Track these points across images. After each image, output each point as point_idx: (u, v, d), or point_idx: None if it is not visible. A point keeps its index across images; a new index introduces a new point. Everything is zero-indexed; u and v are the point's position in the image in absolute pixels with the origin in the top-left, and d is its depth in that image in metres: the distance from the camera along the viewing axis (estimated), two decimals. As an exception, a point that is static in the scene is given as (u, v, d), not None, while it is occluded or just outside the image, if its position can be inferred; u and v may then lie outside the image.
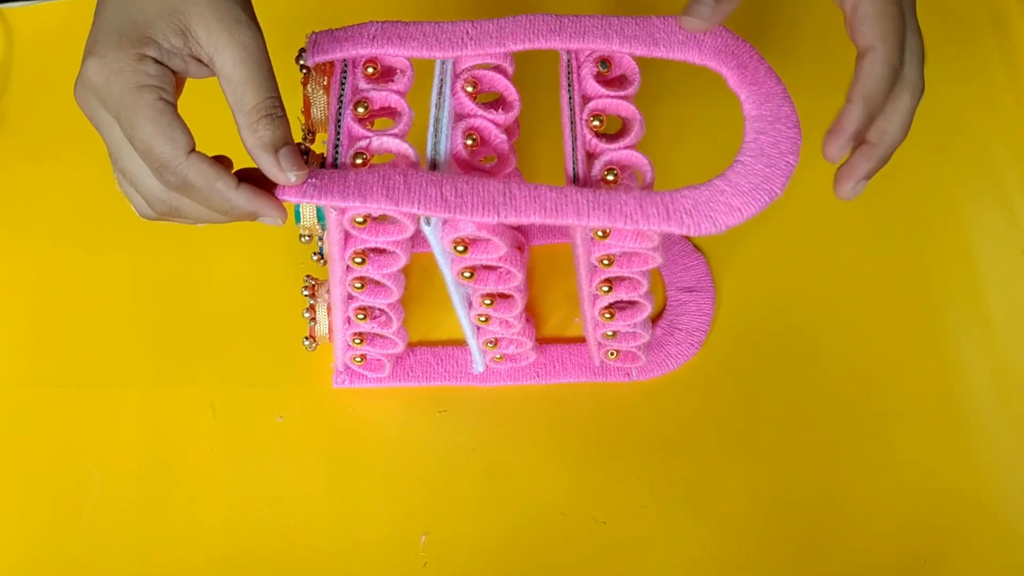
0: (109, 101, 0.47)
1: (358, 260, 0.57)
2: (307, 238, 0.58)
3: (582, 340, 0.70)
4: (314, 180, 0.51)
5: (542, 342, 0.70)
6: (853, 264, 0.72)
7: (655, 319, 0.70)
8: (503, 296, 0.62)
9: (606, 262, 0.58)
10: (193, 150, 0.48)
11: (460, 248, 0.55)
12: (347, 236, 0.56)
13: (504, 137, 0.57)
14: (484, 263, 0.58)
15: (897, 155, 0.75)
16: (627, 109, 0.56)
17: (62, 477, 0.68)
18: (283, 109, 0.49)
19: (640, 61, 0.56)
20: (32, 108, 0.81)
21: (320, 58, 0.55)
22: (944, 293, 0.71)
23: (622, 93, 0.56)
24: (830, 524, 0.64)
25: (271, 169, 0.49)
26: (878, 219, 0.73)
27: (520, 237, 0.70)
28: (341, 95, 0.55)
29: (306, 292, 0.65)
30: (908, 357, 0.69)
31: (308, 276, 0.66)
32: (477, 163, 0.55)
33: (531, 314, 0.70)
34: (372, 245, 0.56)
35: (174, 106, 0.48)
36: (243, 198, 0.49)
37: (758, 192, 0.50)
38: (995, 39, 0.79)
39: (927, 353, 0.69)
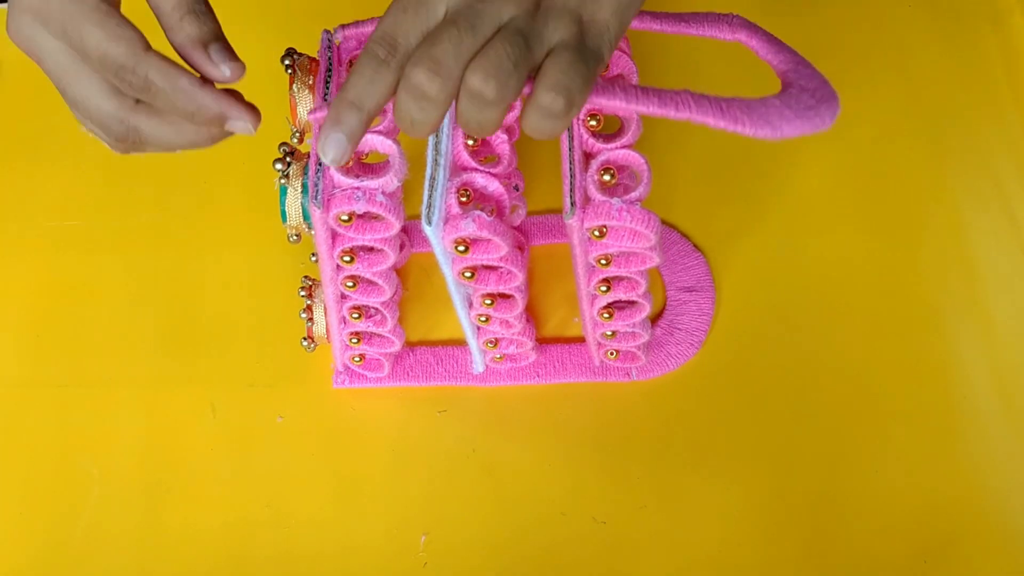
0: (50, 20, 0.45)
1: (347, 259, 0.57)
2: (295, 237, 0.58)
3: (582, 340, 0.70)
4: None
5: (542, 342, 0.70)
6: (853, 264, 0.72)
7: (655, 319, 0.70)
8: (504, 296, 0.62)
9: (604, 262, 0.58)
10: (148, 48, 0.46)
11: (461, 248, 0.55)
12: (335, 235, 0.56)
13: (505, 137, 0.58)
14: (485, 263, 0.58)
15: (897, 155, 0.76)
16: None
17: (62, 477, 0.68)
18: (207, 5, 0.47)
19: (638, 61, 0.56)
20: (31, 108, 0.81)
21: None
22: (944, 293, 0.71)
23: None
24: (830, 524, 0.64)
25: (204, 66, 0.47)
26: (878, 219, 0.73)
27: (520, 237, 0.70)
28: (326, 94, 0.55)
29: (303, 293, 0.66)
30: (908, 357, 0.69)
31: (306, 277, 0.66)
32: (478, 163, 0.55)
33: (531, 314, 0.70)
34: (360, 243, 0.56)
35: (118, 8, 0.46)
36: (209, 96, 0.46)
37: (810, 113, 0.46)
38: (995, 39, 0.79)
39: (927, 353, 0.69)
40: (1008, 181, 0.74)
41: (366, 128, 0.44)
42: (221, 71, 0.47)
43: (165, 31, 0.47)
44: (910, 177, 0.74)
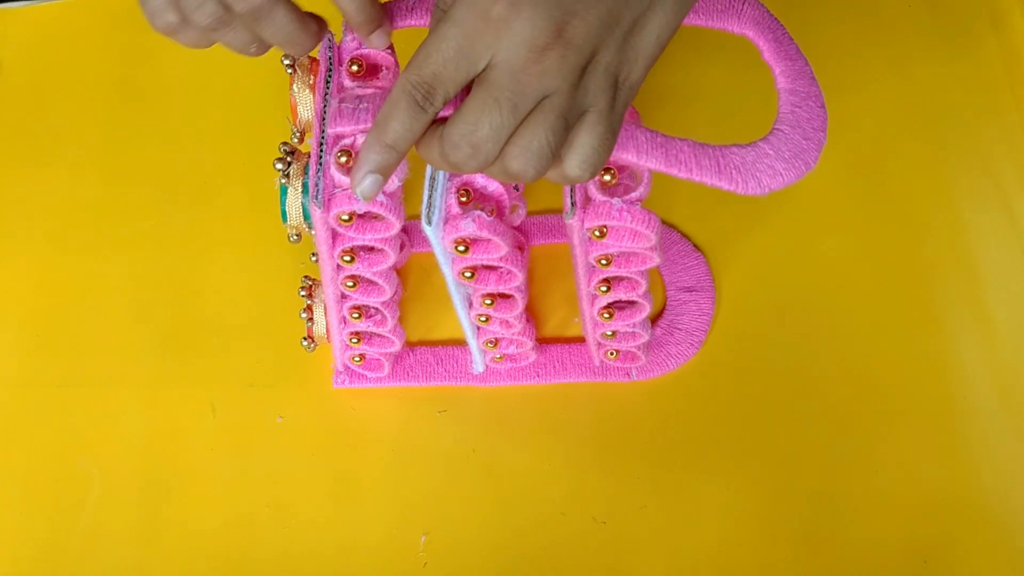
0: None
1: (347, 258, 0.57)
2: (296, 237, 0.58)
3: (582, 340, 0.70)
4: None
5: (542, 342, 0.70)
6: (853, 264, 0.72)
7: (655, 319, 0.70)
8: (504, 296, 0.62)
9: (604, 262, 0.58)
10: None
11: (461, 248, 0.55)
12: (335, 235, 0.56)
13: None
14: (485, 263, 0.58)
15: (897, 155, 0.76)
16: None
17: (62, 477, 0.68)
18: None
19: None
20: (31, 108, 0.81)
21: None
22: (944, 293, 0.71)
23: None
24: (830, 524, 0.64)
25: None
26: (878, 219, 0.73)
27: (520, 237, 0.70)
28: (327, 93, 0.55)
29: (303, 293, 0.65)
30: (908, 357, 0.69)
31: (306, 277, 0.66)
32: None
33: (531, 314, 0.70)
34: (360, 243, 0.56)
35: None
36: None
37: (797, 161, 0.49)
38: (995, 39, 0.79)
39: (927, 353, 0.69)
40: (1008, 181, 0.74)
41: (398, 165, 0.45)
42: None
43: None
44: (910, 177, 0.74)
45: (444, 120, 0.44)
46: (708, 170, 0.49)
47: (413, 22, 0.53)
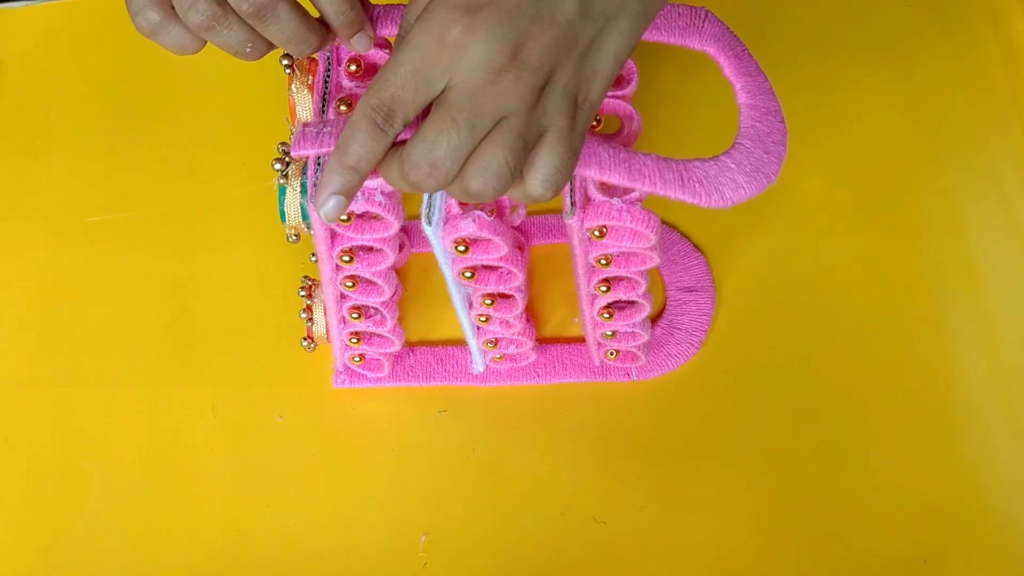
0: None
1: (346, 258, 0.57)
2: (294, 237, 0.58)
3: (582, 340, 0.70)
4: None
5: (542, 342, 0.70)
6: (853, 264, 0.72)
7: (655, 319, 0.70)
8: (504, 296, 0.62)
9: (604, 262, 0.58)
10: None
11: (461, 248, 0.55)
12: (334, 235, 0.56)
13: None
14: (485, 263, 0.58)
15: (897, 155, 0.76)
16: (624, 109, 0.56)
17: (62, 477, 0.68)
18: None
19: (638, 63, 0.56)
20: (31, 108, 0.81)
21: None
22: (944, 293, 0.71)
23: (619, 93, 0.56)
24: (830, 524, 0.64)
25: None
26: (878, 219, 0.73)
27: (520, 237, 0.70)
28: (325, 93, 0.55)
29: (303, 293, 0.65)
30: (908, 357, 0.69)
31: (305, 277, 0.66)
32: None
33: (531, 314, 0.70)
34: (359, 243, 0.56)
35: None
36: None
37: (758, 174, 0.50)
38: (995, 39, 0.79)
39: (927, 353, 0.69)
40: (1008, 181, 0.74)
41: (361, 186, 0.46)
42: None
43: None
44: (910, 177, 0.74)
45: (404, 143, 0.45)
46: (672, 184, 0.50)
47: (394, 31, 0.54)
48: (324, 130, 0.50)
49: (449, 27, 0.43)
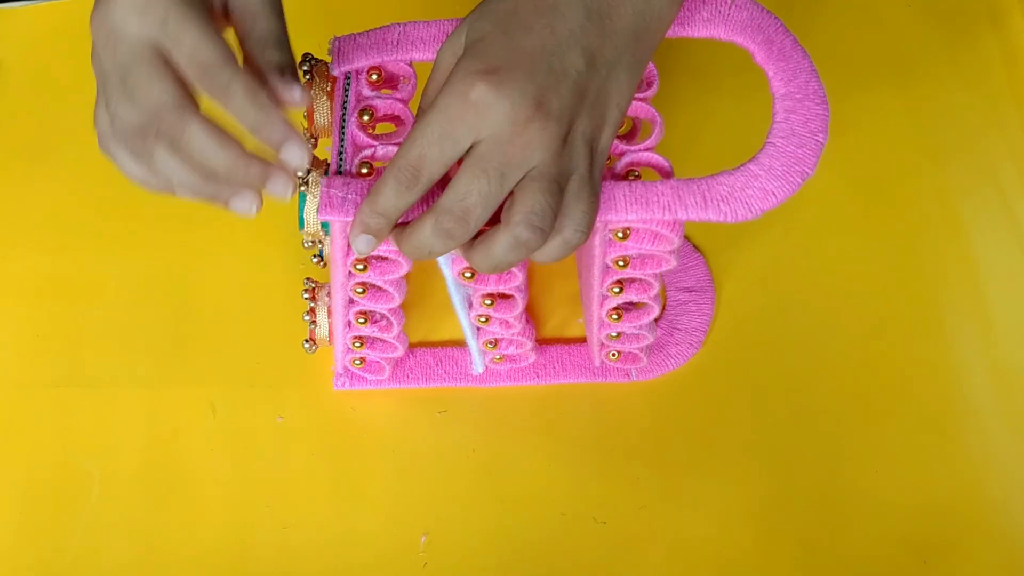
0: (150, 9, 0.46)
1: (360, 267, 0.57)
2: (310, 243, 0.58)
3: (582, 340, 0.70)
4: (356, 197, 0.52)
5: (542, 343, 0.70)
6: (853, 264, 0.72)
7: (655, 319, 0.70)
8: (504, 296, 0.62)
9: (621, 263, 0.58)
10: (236, 62, 0.47)
11: (461, 249, 0.55)
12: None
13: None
14: (485, 263, 0.58)
15: (897, 156, 0.76)
16: (646, 111, 0.56)
17: (62, 477, 0.68)
18: (287, 39, 0.51)
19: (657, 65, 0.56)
20: (31, 108, 0.81)
21: (346, 67, 0.55)
22: (944, 293, 0.71)
23: (641, 95, 0.56)
24: (830, 524, 0.64)
25: (278, 87, 0.49)
26: (878, 219, 0.73)
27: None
28: (345, 102, 0.55)
29: (306, 295, 0.65)
30: (908, 357, 0.69)
31: (308, 279, 0.66)
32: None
33: (531, 314, 0.70)
34: (376, 252, 0.56)
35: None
36: (280, 120, 0.48)
37: (790, 174, 0.50)
38: (995, 39, 0.79)
39: (927, 353, 0.69)
40: (1008, 181, 0.74)
41: (389, 230, 0.49)
42: (292, 94, 0.49)
43: (247, 54, 0.49)
44: (910, 178, 0.74)
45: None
46: (693, 207, 0.50)
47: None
48: (348, 197, 0.51)
49: (472, 87, 0.44)
